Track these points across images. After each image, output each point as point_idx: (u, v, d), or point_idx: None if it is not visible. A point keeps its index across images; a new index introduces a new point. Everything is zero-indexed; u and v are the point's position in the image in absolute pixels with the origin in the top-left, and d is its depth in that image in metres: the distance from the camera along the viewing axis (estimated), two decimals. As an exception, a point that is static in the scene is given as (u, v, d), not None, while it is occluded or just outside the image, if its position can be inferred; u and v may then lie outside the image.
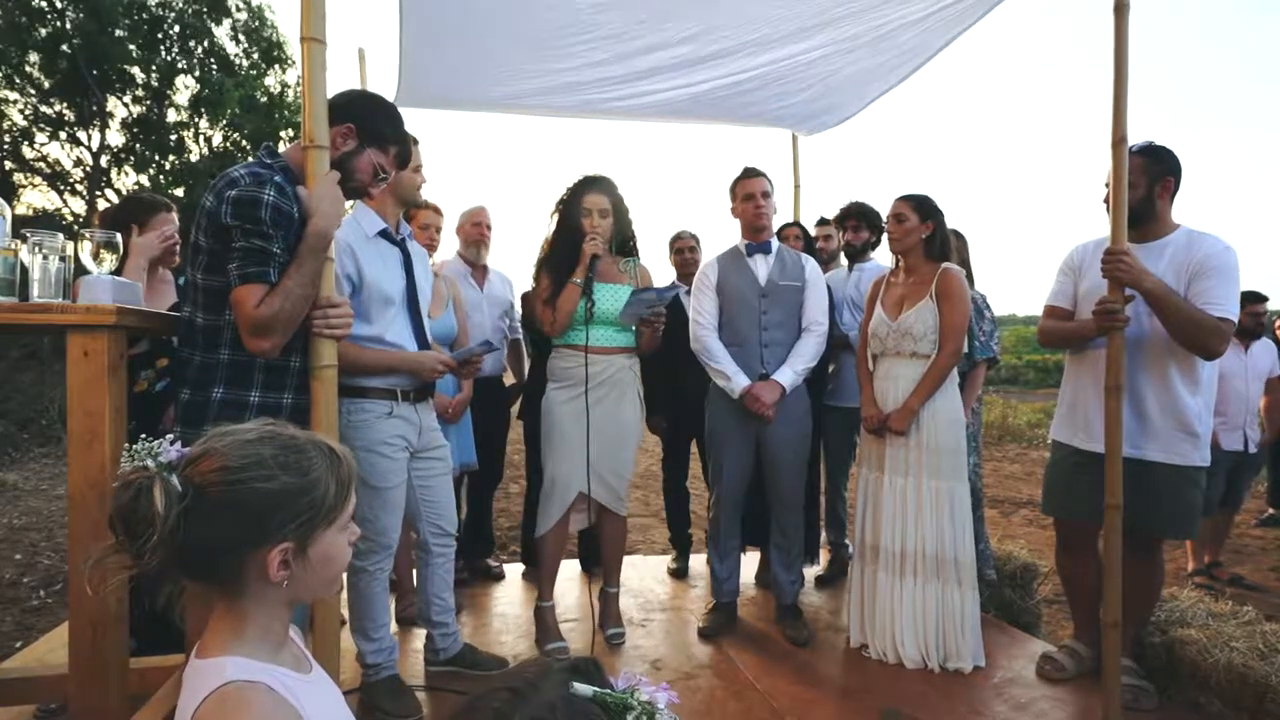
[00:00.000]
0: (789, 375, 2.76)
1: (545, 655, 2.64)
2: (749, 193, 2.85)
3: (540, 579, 2.78)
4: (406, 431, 2.22)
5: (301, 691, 0.87)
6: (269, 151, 1.79)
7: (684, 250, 3.68)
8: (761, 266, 2.88)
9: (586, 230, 2.66)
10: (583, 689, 0.58)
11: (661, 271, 2.73)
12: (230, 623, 0.88)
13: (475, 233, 3.37)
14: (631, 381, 2.76)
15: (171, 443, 0.85)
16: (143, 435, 0.89)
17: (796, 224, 3.64)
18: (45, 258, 1.54)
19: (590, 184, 2.72)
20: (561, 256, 2.68)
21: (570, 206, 2.72)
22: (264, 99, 12.25)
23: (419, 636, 2.66)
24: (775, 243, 2.93)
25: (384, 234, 2.22)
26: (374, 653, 2.26)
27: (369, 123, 1.86)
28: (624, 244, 2.81)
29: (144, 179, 12.09)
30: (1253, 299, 4.20)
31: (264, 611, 0.89)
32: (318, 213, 1.70)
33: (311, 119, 1.71)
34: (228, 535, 0.84)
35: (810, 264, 2.93)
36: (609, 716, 0.58)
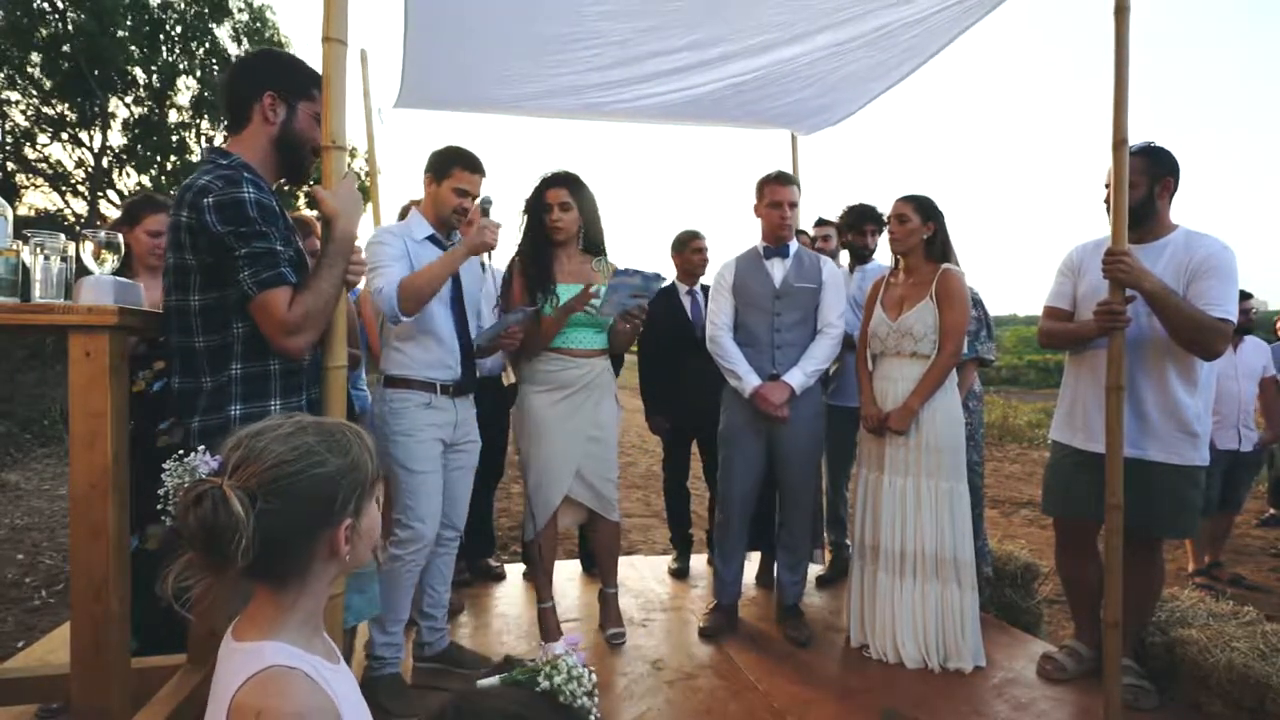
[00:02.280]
0: (799, 376, 2.75)
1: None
2: (777, 200, 2.83)
3: (537, 581, 2.79)
4: (442, 423, 2.34)
5: (334, 680, 0.90)
6: (220, 151, 1.66)
7: (703, 250, 3.62)
8: (778, 269, 2.87)
9: (549, 224, 2.64)
10: (485, 682, 0.69)
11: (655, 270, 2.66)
12: (274, 610, 0.91)
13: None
14: (609, 384, 2.76)
15: (201, 454, 0.89)
16: (177, 453, 0.93)
17: (810, 233, 3.62)
18: (47, 258, 1.54)
19: (549, 180, 2.69)
20: (531, 258, 2.67)
21: (534, 205, 2.70)
22: (265, 99, 12.27)
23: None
24: (794, 245, 2.92)
25: (432, 238, 2.39)
26: (384, 645, 2.30)
27: (283, 80, 1.69)
28: (593, 243, 2.76)
29: (145, 180, 12.11)
30: (1239, 296, 4.20)
31: (315, 593, 0.94)
32: (341, 214, 1.66)
33: (331, 119, 1.69)
34: (302, 524, 0.89)
35: (828, 265, 2.90)
36: (527, 685, 0.67)
